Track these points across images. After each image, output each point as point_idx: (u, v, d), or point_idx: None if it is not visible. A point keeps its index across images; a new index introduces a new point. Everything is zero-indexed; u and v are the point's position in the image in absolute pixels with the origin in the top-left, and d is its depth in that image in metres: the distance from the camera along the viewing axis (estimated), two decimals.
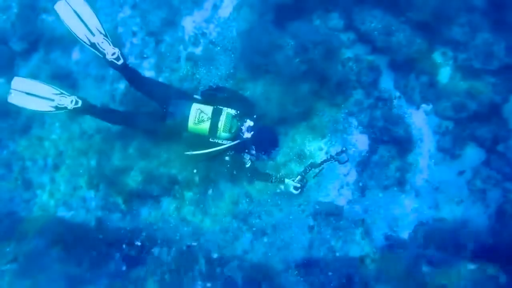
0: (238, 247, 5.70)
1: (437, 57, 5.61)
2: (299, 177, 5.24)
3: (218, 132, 4.84)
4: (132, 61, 5.85)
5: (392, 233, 5.64)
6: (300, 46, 5.15)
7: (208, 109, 4.86)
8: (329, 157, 5.23)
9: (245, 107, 5.12)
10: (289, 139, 5.83)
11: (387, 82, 5.78)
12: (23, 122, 5.69)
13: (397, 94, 5.75)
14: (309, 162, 5.41)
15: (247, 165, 5.16)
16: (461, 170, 5.63)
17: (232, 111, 4.96)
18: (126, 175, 5.49)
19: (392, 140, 5.69)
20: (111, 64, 4.88)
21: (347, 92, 5.78)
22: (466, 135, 5.55)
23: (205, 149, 4.93)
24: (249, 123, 4.99)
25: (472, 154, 5.60)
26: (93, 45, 4.87)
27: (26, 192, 5.66)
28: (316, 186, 5.79)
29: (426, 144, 5.70)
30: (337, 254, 5.61)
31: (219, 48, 5.88)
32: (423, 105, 5.68)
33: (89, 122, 5.79)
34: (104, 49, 4.85)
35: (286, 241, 5.70)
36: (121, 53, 4.91)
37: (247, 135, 4.96)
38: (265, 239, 5.71)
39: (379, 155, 5.75)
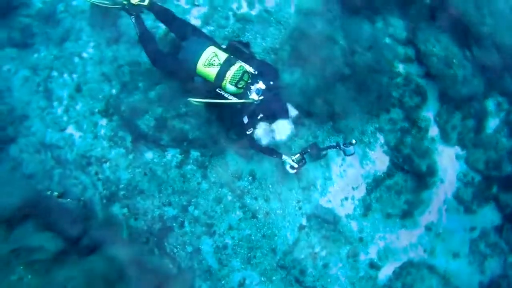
0: (225, 220, 5.98)
1: (490, 104, 5.47)
2: (298, 155, 5.15)
3: (224, 82, 4.79)
4: (182, 4, 5.93)
5: (379, 263, 5.77)
6: (349, 48, 5.08)
7: (223, 56, 4.84)
8: (335, 144, 5.13)
9: (265, 72, 5.03)
10: (309, 131, 5.89)
11: (429, 111, 5.68)
12: (60, 33, 5.98)
13: (435, 127, 5.65)
14: (313, 142, 5.35)
15: (248, 132, 5.02)
16: (471, 227, 5.61)
17: (248, 68, 4.92)
18: (140, 117, 5.72)
19: (412, 171, 5.70)
20: (139, 7, 5.06)
21: (384, 107, 5.73)
22: (489, 194, 5.49)
23: (208, 99, 4.93)
24: (261, 85, 4.84)
25: (488, 215, 5.59)
26: None
27: (43, 100, 6.02)
28: (321, 189, 5.92)
29: (445, 188, 5.72)
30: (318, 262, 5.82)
31: (272, 18, 5.87)
32: (457, 148, 5.60)
33: (123, 52, 6.01)
34: None
35: (273, 231, 5.92)
36: None
37: (254, 96, 4.84)
38: (254, 222, 5.95)
39: (394, 181, 5.85)
